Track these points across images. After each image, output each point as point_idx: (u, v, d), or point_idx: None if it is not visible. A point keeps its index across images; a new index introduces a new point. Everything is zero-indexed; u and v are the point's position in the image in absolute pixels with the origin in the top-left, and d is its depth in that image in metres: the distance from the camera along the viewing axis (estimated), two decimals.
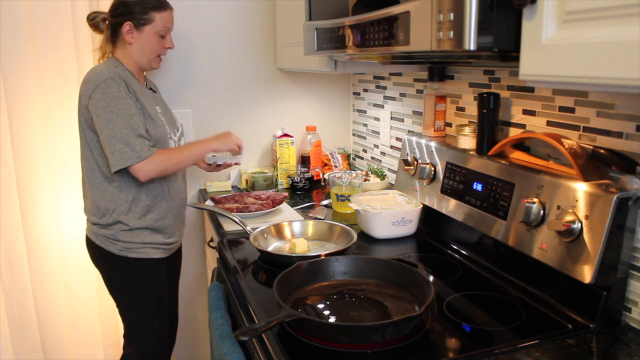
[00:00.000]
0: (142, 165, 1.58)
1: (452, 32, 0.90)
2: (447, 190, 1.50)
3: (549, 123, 1.28)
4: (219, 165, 1.86)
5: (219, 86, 2.25)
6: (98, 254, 1.72)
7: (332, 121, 2.46)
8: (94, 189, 1.68)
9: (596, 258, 1.02)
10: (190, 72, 2.20)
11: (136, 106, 1.61)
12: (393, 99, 2.08)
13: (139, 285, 1.73)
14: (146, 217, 1.69)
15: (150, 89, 1.82)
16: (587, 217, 1.04)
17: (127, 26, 1.66)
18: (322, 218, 1.78)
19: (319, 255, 1.34)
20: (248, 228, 1.59)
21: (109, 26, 1.70)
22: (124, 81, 1.60)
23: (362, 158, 2.41)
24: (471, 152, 1.43)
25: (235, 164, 1.89)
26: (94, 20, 1.73)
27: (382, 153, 2.20)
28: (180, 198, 1.81)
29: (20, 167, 2.15)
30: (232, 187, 2.25)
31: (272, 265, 1.40)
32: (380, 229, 1.57)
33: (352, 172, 1.92)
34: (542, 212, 1.14)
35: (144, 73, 1.83)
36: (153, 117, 1.67)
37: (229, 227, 1.70)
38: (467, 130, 1.46)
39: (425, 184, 1.61)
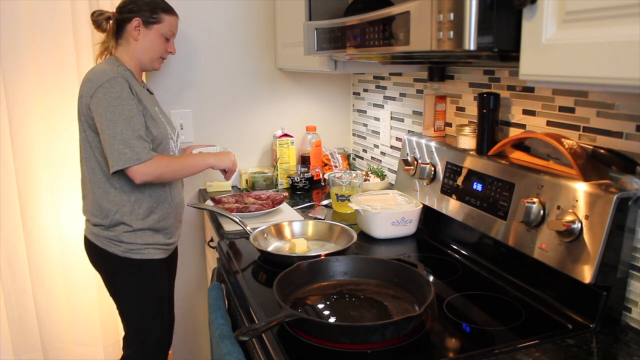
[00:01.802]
0: (139, 167, 1.57)
1: (452, 32, 0.90)
2: (447, 190, 1.50)
3: (549, 123, 1.28)
4: None
5: (219, 86, 2.25)
6: (99, 255, 1.72)
7: (332, 121, 2.46)
8: (95, 189, 1.67)
9: (596, 258, 1.02)
10: (190, 72, 2.20)
11: (138, 107, 1.61)
12: (393, 99, 2.08)
13: (142, 287, 1.73)
14: (149, 218, 1.69)
15: (147, 90, 1.83)
16: (587, 217, 1.04)
17: (135, 22, 1.67)
18: (322, 218, 1.78)
19: (319, 255, 1.34)
20: (248, 228, 1.59)
21: (115, 22, 1.71)
22: (126, 81, 1.60)
23: (362, 158, 2.41)
24: (471, 152, 1.43)
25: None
26: (97, 18, 1.74)
27: (382, 153, 2.20)
28: (180, 199, 1.82)
29: (20, 167, 2.15)
30: (232, 187, 2.25)
31: (272, 265, 1.40)
32: (380, 229, 1.57)
33: (352, 172, 1.92)
34: (542, 212, 1.14)
35: (143, 74, 1.83)
36: (155, 117, 1.68)
37: (229, 227, 1.70)
38: (467, 130, 1.46)
39: (425, 184, 1.61)
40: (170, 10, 1.74)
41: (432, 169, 1.58)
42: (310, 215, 1.84)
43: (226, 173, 1.81)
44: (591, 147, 1.12)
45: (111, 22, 1.72)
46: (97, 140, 1.63)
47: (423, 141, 1.65)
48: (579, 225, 1.05)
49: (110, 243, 1.68)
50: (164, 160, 1.64)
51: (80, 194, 1.77)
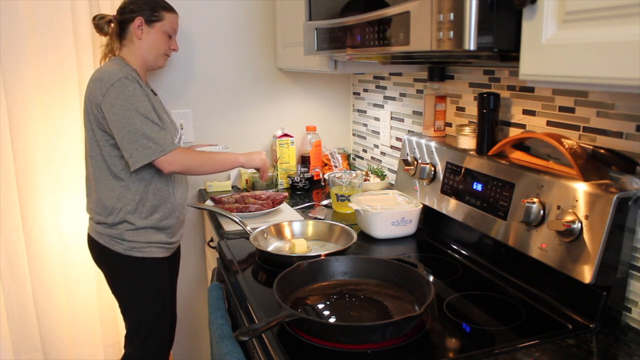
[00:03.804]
0: (167, 157, 1.60)
1: (452, 32, 0.90)
2: (447, 190, 1.50)
3: (549, 123, 1.28)
4: None
5: (219, 86, 2.25)
6: (101, 253, 1.73)
7: (332, 121, 2.46)
8: (100, 187, 1.68)
9: (596, 258, 1.02)
10: (191, 72, 2.20)
11: (150, 104, 1.63)
12: (393, 99, 2.08)
13: (143, 285, 1.74)
14: (152, 216, 1.70)
15: (152, 90, 1.84)
16: (587, 217, 1.04)
17: (138, 21, 1.69)
18: (322, 218, 1.78)
19: (319, 255, 1.34)
20: (248, 228, 1.59)
21: (117, 24, 1.73)
22: (136, 80, 1.62)
23: (362, 158, 2.41)
24: (471, 152, 1.43)
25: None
26: (99, 22, 1.75)
27: (382, 153, 2.20)
28: (183, 199, 1.83)
29: (20, 167, 2.15)
30: (232, 187, 2.25)
31: (272, 265, 1.40)
32: (380, 229, 1.57)
33: (352, 172, 1.92)
34: (542, 212, 1.14)
35: (146, 74, 1.84)
36: (161, 117, 1.69)
37: (229, 227, 1.70)
38: (467, 130, 1.46)
39: (425, 184, 1.61)
40: (170, 8, 1.77)
41: (432, 169, 1.58)
42: (310, 215, 1.84)
43: (259, 171, 1.86)
44: (591, 147, 1.12)
45: (113, 24, 1.73)
46: (104, 139, 1.64)
47: (423, 141, 1.65)
48: (579, 225, 1.05)
49: (112, 241, 1.69)
50: (191, 152, 1.67)
51: (80, 194, 1.77)
